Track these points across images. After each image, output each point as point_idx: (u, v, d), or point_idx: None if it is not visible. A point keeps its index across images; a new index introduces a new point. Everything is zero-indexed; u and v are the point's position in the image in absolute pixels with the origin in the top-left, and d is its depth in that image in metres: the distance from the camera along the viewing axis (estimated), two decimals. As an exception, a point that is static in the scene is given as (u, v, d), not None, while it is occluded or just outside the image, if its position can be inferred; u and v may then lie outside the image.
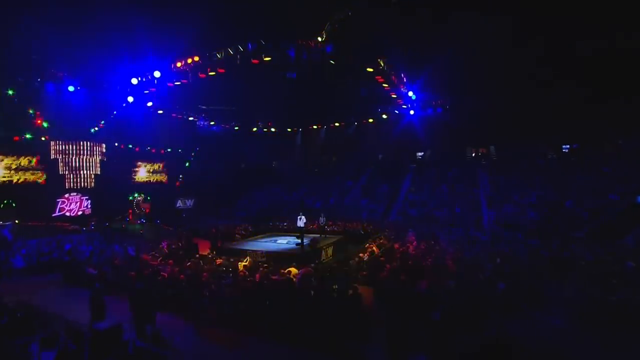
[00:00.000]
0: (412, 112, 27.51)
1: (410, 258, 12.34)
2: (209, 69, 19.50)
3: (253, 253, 14.21)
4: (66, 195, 23.72)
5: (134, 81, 20.67)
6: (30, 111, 21.27)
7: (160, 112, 27.38)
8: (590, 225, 18.53)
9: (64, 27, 16.76)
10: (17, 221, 19.56)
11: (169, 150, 31.46)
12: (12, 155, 21.38)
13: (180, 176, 32.58)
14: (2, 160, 20.99)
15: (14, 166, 21.34)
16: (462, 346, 6.59)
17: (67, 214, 23.64)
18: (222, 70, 19.37)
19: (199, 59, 19.46)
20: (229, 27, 18.13)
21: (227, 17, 17.28)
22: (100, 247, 17.13)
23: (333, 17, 17.37)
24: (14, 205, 20.98)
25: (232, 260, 13.18)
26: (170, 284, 9.99)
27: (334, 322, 7.40)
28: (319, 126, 36.42)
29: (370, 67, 20.06)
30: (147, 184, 29.81)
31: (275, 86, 23.20)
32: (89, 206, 24.78)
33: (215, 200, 31.85)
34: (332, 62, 18.69)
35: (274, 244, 16.59)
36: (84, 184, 24.50)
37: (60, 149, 23.52)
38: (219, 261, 13.00)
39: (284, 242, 16.55)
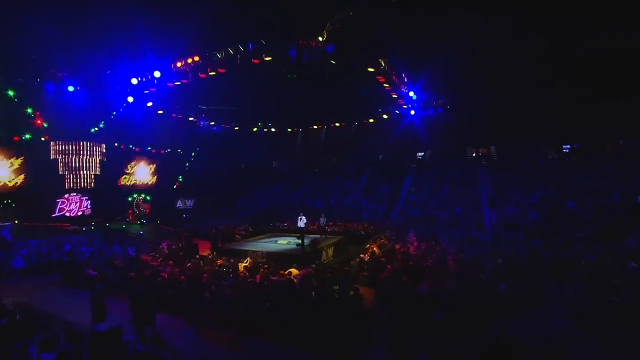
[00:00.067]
0: (412, 112, 27.48)
1: (411, 259, 12.32)
2: (209, 69, 19.46)
3: (253, 254, 14.18)
4: (66, 196, 23.68)
5: (134, 81, 20.63)
6: (30, 111, 21.21)
7: (161, 112, 27.34)
8: (591, 226, 18.48)
9: (64, 27, 16.72)
10: (16, 222, 19.51)
11: (168, 150, 31.42)
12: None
13: (180, 177, 32.49)
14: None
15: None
16: (463, 347, 6.56)
17: (67, 214, 23.60)
18: (222, 70, 19.33)
19: (199, 59, 19.42)
20: (229, 27, 18.10)
21: (227, 17, 17.25)
22: (100, 248, 17.09)
23: (334, 17, 17.33)
24: (13, 205, 20.94)
25: (232, 261, 13.16)
26: (170, 285, 9.96)
27: (335, 323, 7.36)
28: (319, 126, 36.37)
29: (371, 67, 20.02)
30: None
31: (275, 86, 23.17)
32: (89, 206, 24.73)
33: (216, 200, 31.80)
34: (332, 62, 18.65)
35: (275, 244, 16.56)
36: (84, 184, 24.46)
37: (60, 149, 23.47)
38: (219, 262, 12.98)
39: (285, 243, 16.51)
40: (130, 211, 27.68)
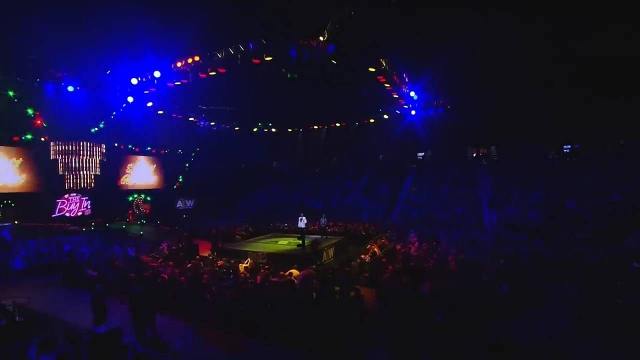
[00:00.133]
0: (413, 112, 27.44)
1: (412, 259, 12.30)
2: (209, 69, 19.41)
3: (254, 254, 14.15)
4: (66, 196, 23.65)
5: (134, 81, 20.58)
6: (30, 111, 21.17)
7: (161, 112, 27.30)
8: (592, 226, 18.45)
9: (64, 27, 16.66)
10: (16, 222, 19.47)
11: (168, 150, 31.39)
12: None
13: (180, 178, 32.45)
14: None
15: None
16: (465, 347, 6.53)
17: (67, 214, 23.56)
18: (222, 70, 19.28)
19: (200, 59, 19.37)
20: (229, 26, 18.04)
21: (228, 16, 17.19)
22: (100, 249, 17.04)
23: (335, 16, 17.28)
24: (13, 205, 20.90)
25: (232, 261, 13.13)
26: (170, 286, 9.92)
27: (336, 324, 7.33)
28: (320, 126, 36.34)
29: (372, 67, 19.98)
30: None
31: (276, 86, 23.13)
32: (89, 207, 24.70)
33: (216, 200, 31.76)
34: (333, 62, 18.60)
35: (275, 245, 16.53)
36: (84, 185, 24.43)
37: (60, 149, 23.44)
38: (219, 263, 12.95)
39: (285, 243, 16.49)
40: (130, 211, 27.64)
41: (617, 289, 8.75)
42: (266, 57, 18.08)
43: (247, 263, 12.58)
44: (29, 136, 21.70)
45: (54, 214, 23.00)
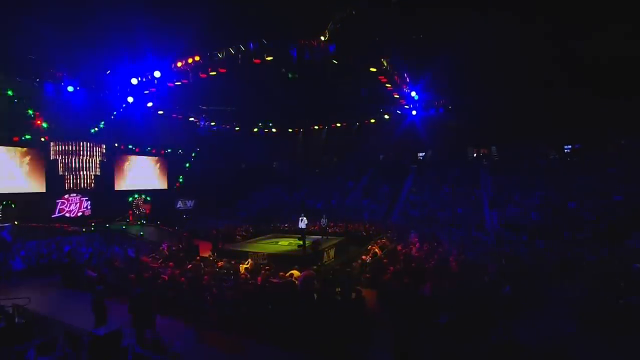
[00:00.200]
0: (414, 112, 27.40)
1: (414, 260, 12.26)
2: (210, 69, 19.36)
3: (254, 255, 14.13)
4: (66, 196, 23.62)
5: (134, 81, 20.54)
6: (30, 111, 21.14)
7: (161, 112, 27.26)
8: (593, 226, 18.43)
9: (64, 27, 16.62)
10: (16, 222, 19.44)
11: (169, 150, 31.35)
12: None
13: (180, 178, 32.41)
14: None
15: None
16: (466, 348, 6.50)
17: (67, 215, 23.54)
18: (223, 70, 19.24)
19: (200, 59, 19.32)
20: (230, 26, 17.98)
21: (228, 16, 17.15)
22: (100, 249, 17.02)
23: (335, 16, 17.24)
24: (13, 206, 20.88)
25: (233, 262, 13.10)
26: (170, 287, 9.89)
27: (337, 326, 7.30)
28: (320, 126, 36.29)
29: (373, 67, 19.94)
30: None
31: (276, 86, 23.08)
32: (89, 207, 24.68)
33: (216, 200, 31.74)
34: (334, 62, 18.56)
35: (276, 245, 16.50)
36: (84, 185, 24.40)
37: (60, 149, 23.41)
38: (220, 263, 12.91)
39: (286, 244, 16.46)
40: (130, 212, 27.60)
41: (618, 289, 8.72)
42: (267, 57, 18.02)
43: (247, 264, 12.55)
44: (28, 136, 21.68)
45: (54, 214, 22.98)
